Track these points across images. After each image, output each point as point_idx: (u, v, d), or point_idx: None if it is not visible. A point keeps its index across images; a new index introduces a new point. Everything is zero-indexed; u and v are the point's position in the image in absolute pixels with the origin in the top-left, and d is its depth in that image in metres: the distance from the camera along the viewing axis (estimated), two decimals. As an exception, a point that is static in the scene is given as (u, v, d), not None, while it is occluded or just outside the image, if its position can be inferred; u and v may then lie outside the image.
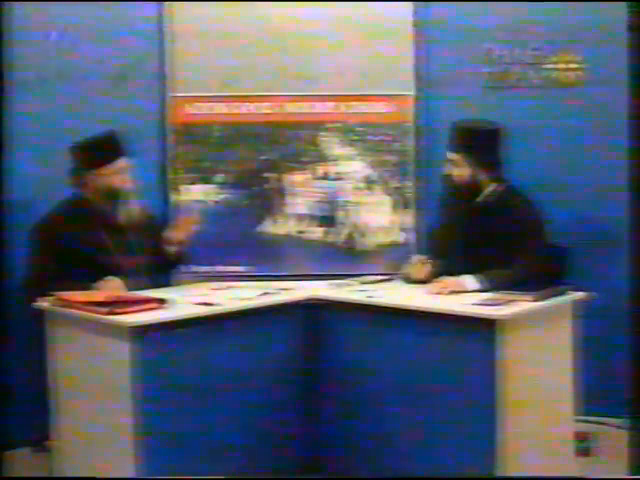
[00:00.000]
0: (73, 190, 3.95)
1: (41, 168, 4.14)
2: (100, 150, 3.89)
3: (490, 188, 3.96)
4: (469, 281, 3.78)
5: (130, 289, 3.76)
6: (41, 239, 3.86)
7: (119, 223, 3.93)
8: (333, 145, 4.62)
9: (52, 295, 3.62)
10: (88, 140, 3.92)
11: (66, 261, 3.78)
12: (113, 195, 3.90)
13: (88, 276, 3.73)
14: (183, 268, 4.25)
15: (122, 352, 3.35)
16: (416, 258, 4.06)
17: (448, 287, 3.78)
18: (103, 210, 3.92)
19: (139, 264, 3.94)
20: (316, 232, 4.63)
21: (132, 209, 3.95)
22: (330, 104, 4.60)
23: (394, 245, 4.61)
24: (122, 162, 3.93)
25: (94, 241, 3.87)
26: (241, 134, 4.60)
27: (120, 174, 3.91)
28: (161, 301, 3.54)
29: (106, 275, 3.77)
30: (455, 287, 3.77)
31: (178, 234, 4.04)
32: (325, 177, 4.63)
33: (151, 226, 4.08)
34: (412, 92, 4.58)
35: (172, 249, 4.06)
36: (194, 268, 4.38)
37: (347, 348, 3.77)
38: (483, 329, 3.38)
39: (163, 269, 4.12)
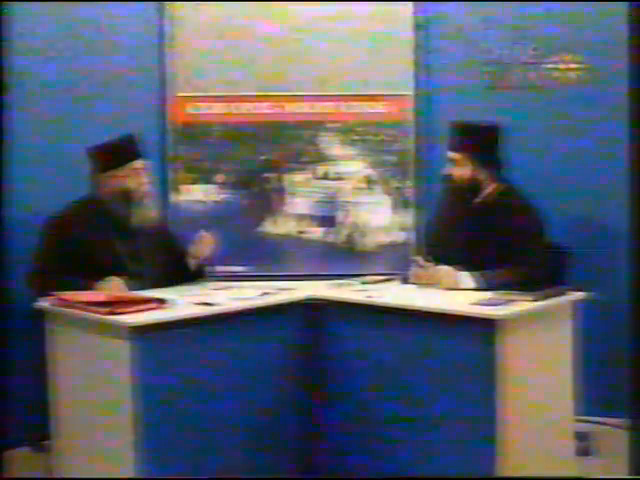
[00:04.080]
0: (89, 191, 3.95)
1: (40, 169, 4.14)
2: (115, 152, 3.88)
3: (490, 188, 3.96)
4: (465, 278, 3.79)
5: (131, 289, 3.76)
6: (49, 235, 3.87)
7: (131, 226, 3.92)
8: (333, 145, 4.62)
9: (53, 292, 3.61)
10: (104, 143, 3.90)
11: (72, 259, 3.79)
12: (128, 197, 3.89)
13: (93, 276, 3.73)
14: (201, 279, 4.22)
15: (122, 352, 3.35)
16: (417, 261, 4.04)
17: (443, 279, 3.80)
18: (116, 212, 3.91)
19: (147, 267, 3.94)
20: (316, 232, 4.63)
21: (147, 211, 3.94)
22: (330, 104, 4.60)
23: (394, 245, 4.61)
24: (138, 163, 3.92)
25: (102, 242, 3.86)
26: (241, 134, 4.60)
27: (135, 175, 3.90)
28: (161, 301, 3.54)
29: (111, 275, 3.77)
30: (450, 282, 3.79)
31: (201, 249, 4.04)
32: (325, 177, 4.62)
33: (164, 231, 4.08)
34: (412, 92, 4.58)
35: (194, 263, 4.07)
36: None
37: (347, 348, 3.76)
38: (483, 329, 3.38)
39: (181, 279, 4.08)
